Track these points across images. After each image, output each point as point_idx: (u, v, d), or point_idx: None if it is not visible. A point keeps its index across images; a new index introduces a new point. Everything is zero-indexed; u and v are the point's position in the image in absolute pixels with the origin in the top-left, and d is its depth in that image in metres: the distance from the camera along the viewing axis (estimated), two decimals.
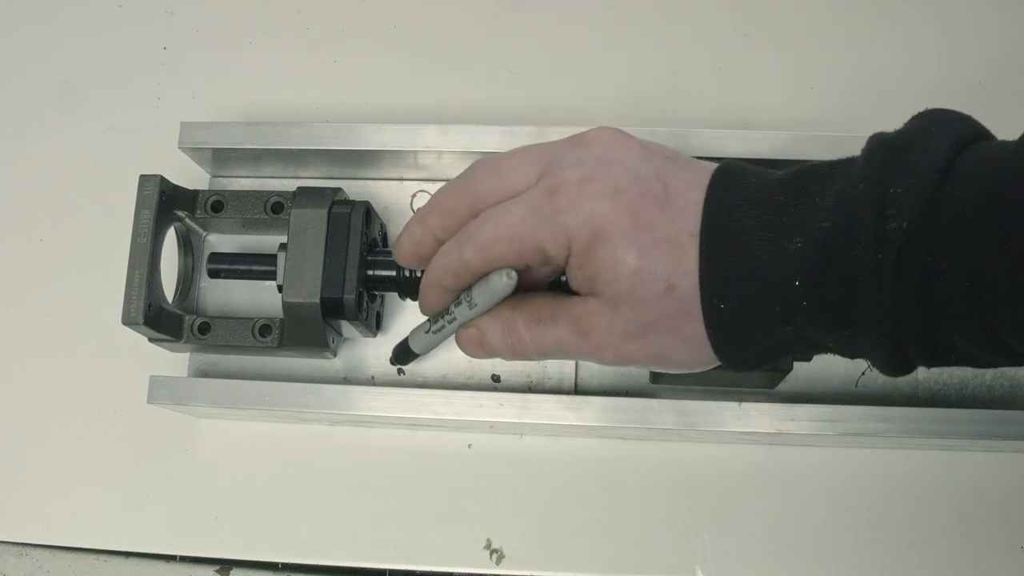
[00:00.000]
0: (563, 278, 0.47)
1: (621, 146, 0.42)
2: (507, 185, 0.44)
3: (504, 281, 0.43)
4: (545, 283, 0.47)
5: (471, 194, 0.45)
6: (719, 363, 0.42)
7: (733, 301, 0.39)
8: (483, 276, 0.44)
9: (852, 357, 0.40)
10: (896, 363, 0.39)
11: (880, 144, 0.38)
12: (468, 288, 0.45)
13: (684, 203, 0.40)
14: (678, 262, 0.39)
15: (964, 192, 0.35)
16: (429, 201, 0.47)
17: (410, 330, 0.52)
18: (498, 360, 0.61)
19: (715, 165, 0.42)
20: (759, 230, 0.38)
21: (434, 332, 0.49)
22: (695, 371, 0.43)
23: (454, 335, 0.48)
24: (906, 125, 0.39)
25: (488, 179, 0.44)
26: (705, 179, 0.41)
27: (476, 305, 0.45)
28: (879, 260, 0.36)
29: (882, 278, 0.36)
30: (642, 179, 0.40)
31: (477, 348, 0.46)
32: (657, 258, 0.39)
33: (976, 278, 0.35)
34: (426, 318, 0.50)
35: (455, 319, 0.47)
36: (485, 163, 0.45)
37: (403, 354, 0.52)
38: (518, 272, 0.43)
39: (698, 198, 0.40)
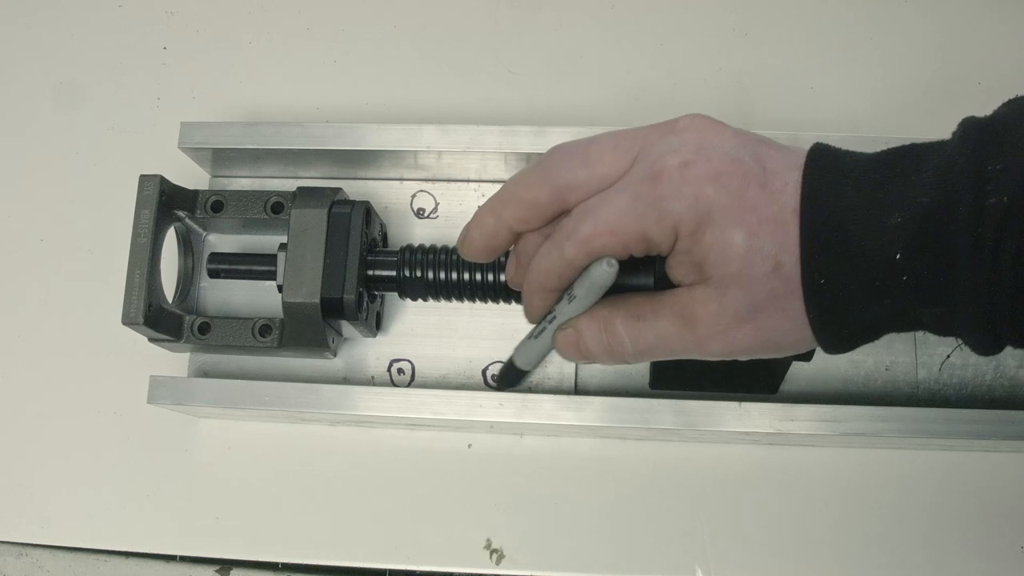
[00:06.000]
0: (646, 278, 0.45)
1: (715, 131, 0.42)
2: (598, 174, 0.42)
3: (605, 269, 0.41)
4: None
5: (557, 184, 0.43)
6: (816, 344, 0.42)
7: (833, 276, 0.39)
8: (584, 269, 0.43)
9: (945, 334, 0.41)
10: (988, 340, 0.39)
11: (975, 125, 0.39)
12: (571, 287, 0.44)
13: (783, 183, 0.40)
14: (783, 239, 0.40)
15: None
16: (502, 192, 0.45)
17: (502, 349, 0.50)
18: (495, 359, 0.61)
19: (805, 148, 0.42)
20: (858, 207, 0.39)
21: (535, 337, 0.46)
22: (796, 353, 0.43)
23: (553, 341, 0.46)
24: (998, 110, 0.40)
25: (576, 169, 0.43)
26: (800, 160, 0.41)
27: (576, 298, 0.43)
28: (978, 234, 0.36)
29: (981, 251, 0.36)
30: (741, 162, 0.41)
31: (573, 350, 0.45)
32: (764, 237, 0.40)
33: None
34: (528, 333, 0.47)
35: (555, 318, 0.45)
36: (569, 151, 0.44)
37: (509, 373, 0.49)
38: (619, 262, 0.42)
39: (796, 178, 0.40)
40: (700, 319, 0.41)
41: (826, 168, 0.40)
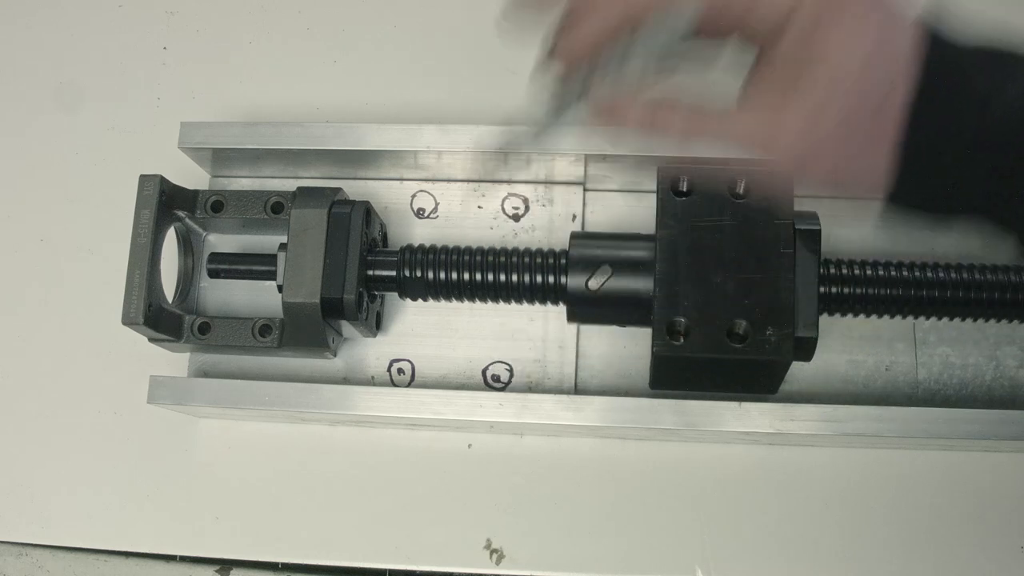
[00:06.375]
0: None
1: None
2: None
3: (687, 17, 0.35)
4: None
5: None
6: (885, 195, 0.39)
7: (943, 124, 0.37)
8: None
9: (1014, 225, 0.39)
10: None
11: None
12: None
13: (906, 19, 0.38)
14: (902, 67, 0.37)
15: None
16: None
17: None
18: (495, 359, 0.61)
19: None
20: (979, 69, 0.38)
21: (564, 92, 0.38)
22: (860, 195, 0.40)
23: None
24: None
25: None
26: (914, 15, 0.39)
27: (640, 50, 0.36)
28: None
29: None
30: None
31: (607, 106, 0.39)
32: (886, 56, 0.37)
33: None
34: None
35: (602, 72, 0.37)
36: None
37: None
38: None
39: (914, 23, 0.38)
40: (790, 118, 0.38)
41: (942, 32, 0.39)
